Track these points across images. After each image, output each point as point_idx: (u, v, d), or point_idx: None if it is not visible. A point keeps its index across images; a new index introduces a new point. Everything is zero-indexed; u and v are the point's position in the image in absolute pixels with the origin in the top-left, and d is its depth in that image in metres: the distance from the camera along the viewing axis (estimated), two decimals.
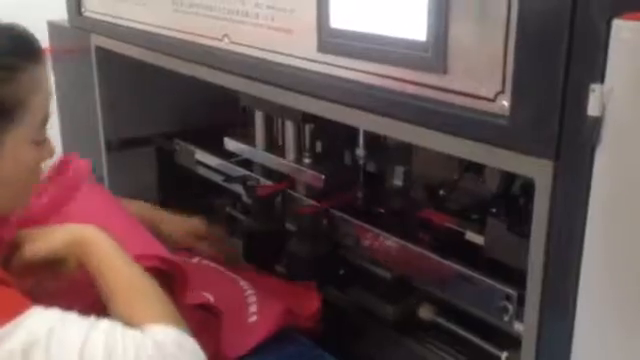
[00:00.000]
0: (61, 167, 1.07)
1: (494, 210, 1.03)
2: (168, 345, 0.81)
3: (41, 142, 0.89)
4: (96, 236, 0.91)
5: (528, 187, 0.99)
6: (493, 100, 0.72)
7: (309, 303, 1.15)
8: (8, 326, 0.75)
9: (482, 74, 0.73)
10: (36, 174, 0.92)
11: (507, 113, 0.71)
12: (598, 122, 0.64)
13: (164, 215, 1.27)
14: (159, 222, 1.24)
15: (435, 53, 0.76)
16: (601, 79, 0.63)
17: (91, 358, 0.77)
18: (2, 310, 0.77)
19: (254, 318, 1.10)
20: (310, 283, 1.18)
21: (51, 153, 0.93)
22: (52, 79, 1.84)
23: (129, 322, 0.83)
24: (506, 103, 0.71)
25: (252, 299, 1.14)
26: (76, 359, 0.76)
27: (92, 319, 0.81)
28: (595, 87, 0.63)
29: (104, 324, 0.81)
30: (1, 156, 0.84)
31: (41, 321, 0.77)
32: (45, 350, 0.75)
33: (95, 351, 0.77)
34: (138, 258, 0.93)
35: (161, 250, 1.02)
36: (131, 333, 0.81)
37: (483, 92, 0.73)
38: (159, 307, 0.88)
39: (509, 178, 1.05)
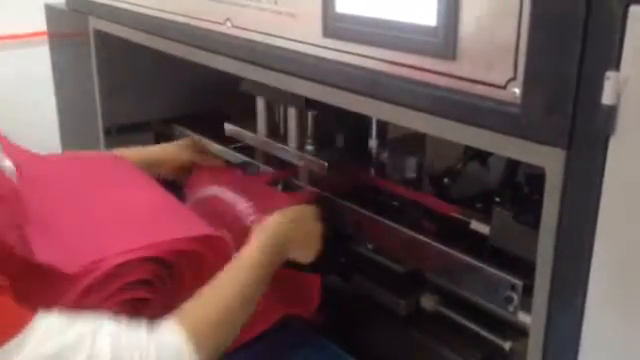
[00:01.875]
0: None
1: (499, 199, 1.01)
2: (168, 350, 0.82)
3: None
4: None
5: (533, 176, 0.98)
6: (504, 87, 0.71)
7: (308, 299, 1.13)
8: (16, 340, 0.73)
9: (493, 60, 0.71)
10: None
11: (518, 101, 0.69)
12: (613, 111, 0.62)
13: (158, 153, 1.33)
14: (159, 162, 1.30)
15: (445, 38, 0.74)
16: (617, 66, 0.61)
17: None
18: (5, 324, 0.74)
19: None
20: (315, 278, 1.16)
21: None
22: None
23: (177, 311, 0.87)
24: (517, 90, 0.70)
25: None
26: None
27: (95, 321, 0.80)
28: (610, 75, 0.62)
29: (109, 326, 0.80)
30: None
31: (46, 330, 0.75)
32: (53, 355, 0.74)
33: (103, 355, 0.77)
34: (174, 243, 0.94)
35: (203, 227, 1.01)
36: (135, 337, 0.81)
37: (494, 79, 0.71)
38: (213, 321, 0.89)
39: (514, 166, 1.04)
